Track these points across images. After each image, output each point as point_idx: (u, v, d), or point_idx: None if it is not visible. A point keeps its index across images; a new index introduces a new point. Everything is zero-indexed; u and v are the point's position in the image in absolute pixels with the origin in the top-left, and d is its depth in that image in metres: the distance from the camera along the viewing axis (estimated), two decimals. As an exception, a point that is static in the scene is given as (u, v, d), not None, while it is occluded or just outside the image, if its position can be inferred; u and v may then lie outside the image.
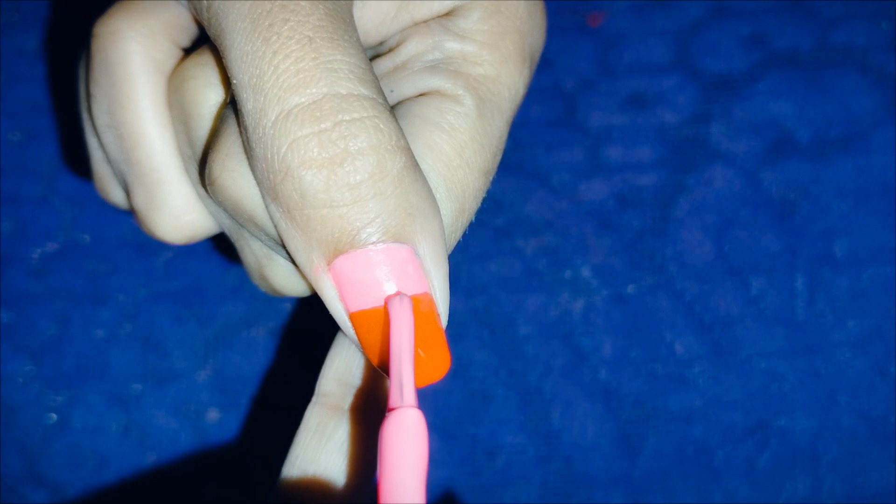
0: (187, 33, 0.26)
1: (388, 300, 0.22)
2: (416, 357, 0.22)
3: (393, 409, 0.21)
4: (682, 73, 0.35)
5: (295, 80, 0.21)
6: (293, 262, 0.23)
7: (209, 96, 0.24)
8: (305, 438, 0.26)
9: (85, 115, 0.27)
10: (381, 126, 0.21)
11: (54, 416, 0.34)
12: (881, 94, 0.35)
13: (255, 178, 0.22)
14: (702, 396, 0.34)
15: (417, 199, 0.22)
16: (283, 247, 0.23)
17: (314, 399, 0.26)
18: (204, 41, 0.25)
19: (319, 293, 0.22)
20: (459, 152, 0.24)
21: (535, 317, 0.34)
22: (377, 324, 0.22)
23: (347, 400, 0.26)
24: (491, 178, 0.25)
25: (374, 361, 0.23)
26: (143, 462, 0.34)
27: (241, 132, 0.22)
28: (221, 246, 0.35)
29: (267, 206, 0.22)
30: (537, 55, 0.26)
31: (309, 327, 0.35)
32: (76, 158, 0.35)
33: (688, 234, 0.35)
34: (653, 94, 0.35)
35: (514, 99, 0.25)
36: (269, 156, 0.21)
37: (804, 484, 0.34)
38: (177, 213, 0.26)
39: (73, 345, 0.34)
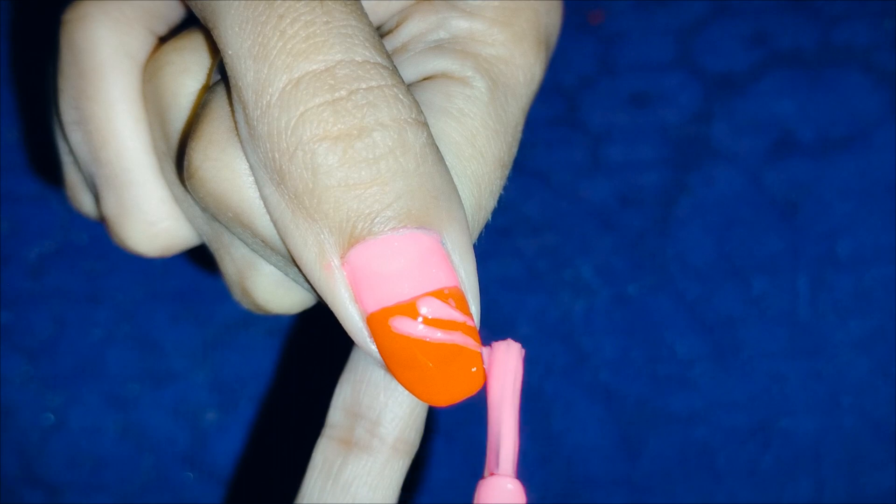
0: (164, 21, 0.24)
1: (494, 344, 0.19)
2: (441, 367, 0.20)
3: (491, 475, 0.19)
4: (683, 71, 0.35)
5: (305, 46, 0.18)
6: (281, 268, 0.21)
7: (187, 84, 0.22)
8: (312, 477, 0.23)
9: (54, 116, 0.25)
10: (401, 97, 0.19)
11: (52, 416, 0.34)
12: (884, 93, 0.35)
13: (254, 163, 0.19)
14: (703, 397, 0.34)
15: (441, 182, 0.19)
16: (273, 251, 0.21)
17: (323, 430, 0.24)
18: (182, 30, 0.23)
19: (328, 295, 0.19)
20: (471, 141, 0.21)
21: (535, 317, 0.34)
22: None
23: (355, 433, 0.23)
24: (507, 171, 0.22)
25: (396, 374, 0.20)
26: (141, 463, 0.34)
27: (233, 113, 0.20)
28: (205, 259, 0.34)
29: (265, 199, 0.20)
30: (553, 39, 0.23)
31: (308, 328, 0.35)
32: (41, 161, 0.35)
33: (689, 233, 0.35)
34: (654, 93, 0.35)
35: (529, 84, 0.22)
36: (276, 132, 0.18)
37: (806, 485, 0.34)
38: (150, 220, 0.24)
39: (71, 345, 0.34)
